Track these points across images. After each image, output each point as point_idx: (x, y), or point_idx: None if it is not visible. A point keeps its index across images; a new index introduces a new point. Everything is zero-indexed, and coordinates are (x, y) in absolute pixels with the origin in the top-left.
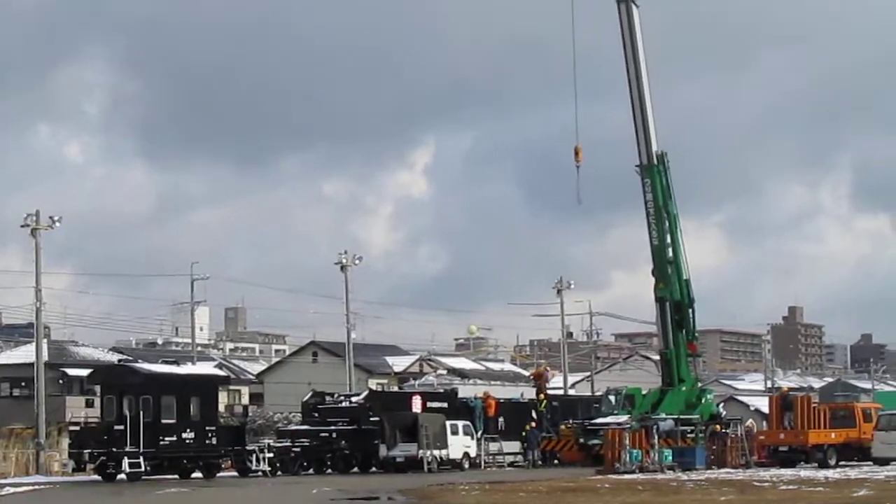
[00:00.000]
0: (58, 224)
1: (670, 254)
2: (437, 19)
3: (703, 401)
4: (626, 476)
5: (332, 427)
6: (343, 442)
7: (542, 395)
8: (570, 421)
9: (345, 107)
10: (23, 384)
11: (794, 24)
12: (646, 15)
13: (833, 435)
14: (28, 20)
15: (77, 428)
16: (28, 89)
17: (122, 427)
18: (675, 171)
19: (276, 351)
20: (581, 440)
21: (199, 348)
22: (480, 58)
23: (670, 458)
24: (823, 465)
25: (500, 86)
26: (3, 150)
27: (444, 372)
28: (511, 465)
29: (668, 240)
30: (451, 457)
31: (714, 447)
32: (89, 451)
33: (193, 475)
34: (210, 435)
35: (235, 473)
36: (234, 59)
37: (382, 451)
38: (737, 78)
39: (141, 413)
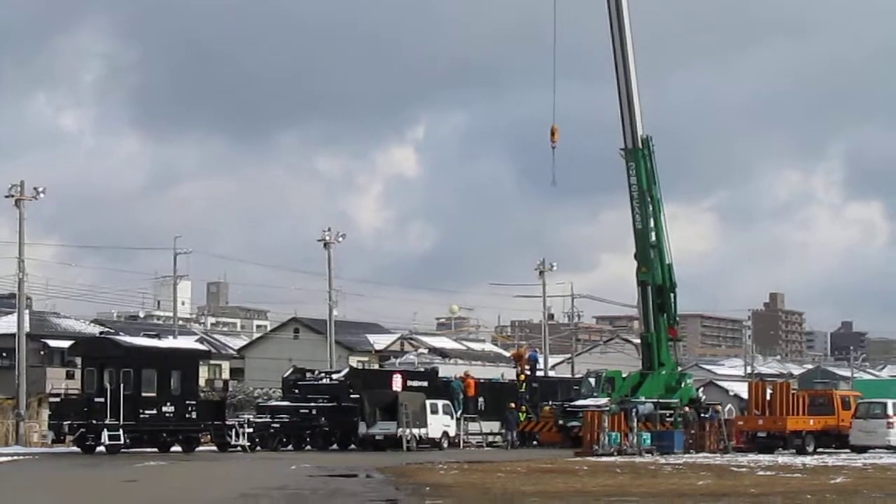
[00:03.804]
0: (42, 195)
1: (653, 238)
2: None
3: (682, 385)
4: (605, 458)
5: (312, 404)
6: (323, 419)
7: (521, 377)
8: (550, 402)
9: (341, 84)
10: (3, 355)
11: (792, 12)
12: (641, 1)
13: (811, 422)
14: None
15: (57, 399)
16: (27, 58)
17: (102, 399)
18: (670, 156)
19: (258, 327)
20: (560, 422)
21: (181, 322)
22: (476, 38)
23: (649, 441)
24: (801, 451)
25: (496, 66)
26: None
27: (425, 351)
28: (490, 445)
29: (652, 224)
30: (431, 436)
31: (693, 431)
32: (69, 422)
33: (172, 449)
34: (190, 409)
35: (215, 448)
36: (233, 34)
37: (362, 428)
38: (733, 65)
39: (121, 386)
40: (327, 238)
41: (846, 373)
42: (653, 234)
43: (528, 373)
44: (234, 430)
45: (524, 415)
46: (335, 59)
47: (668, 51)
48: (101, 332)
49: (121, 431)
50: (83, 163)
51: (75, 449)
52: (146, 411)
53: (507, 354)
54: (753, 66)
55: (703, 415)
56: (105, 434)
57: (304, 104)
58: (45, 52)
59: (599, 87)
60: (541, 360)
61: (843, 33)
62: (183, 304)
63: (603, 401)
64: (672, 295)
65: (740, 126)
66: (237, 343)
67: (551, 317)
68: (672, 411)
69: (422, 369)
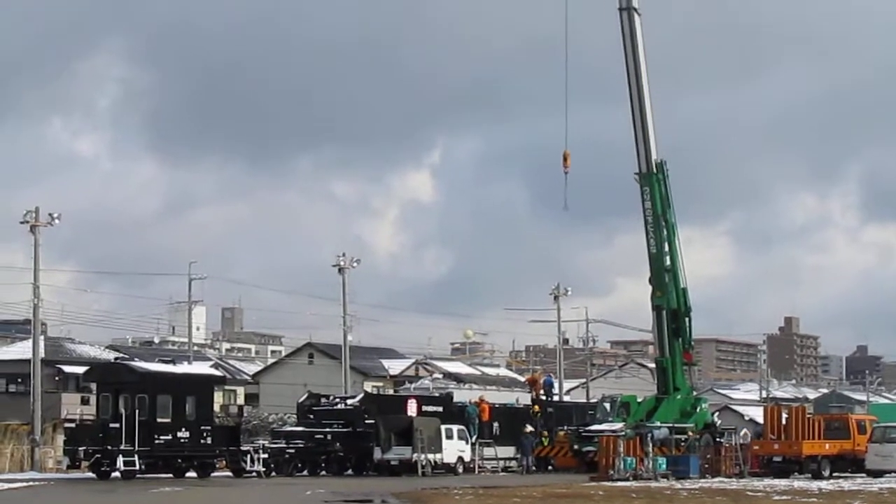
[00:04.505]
0: (57, 221)
1: (668, 262)
2: (449, 22)
3: (697, 409)
4: (620, 483)
5: (327, 429)
6: (338, 444)
7: (536, 408)
8: (565, 427)
9: (356, 108)
10: (19, 380)
11: (806, 34)
12: (658, 24)
13: (827, 446)
14: (48, 16)
15: (72, 425)
16: (43, 83)
17: (117, 425)
18: (685, 178)
19: (273, 352)
20: (576, 446)
21: (196, 348)
22: (491, 61)
23: (664, 466)
24: (817, 476)
25: (511, 89)
26: (17, 144)
27: (440, 376)
28: (505, 470)
29: (666, 248)
30: (446, 461)
31: (708, 456)
32: (84, 448)
33: (188, 474)
34: (205, 434)
35: (230, 473)
36: (249, 58)
37: (377, 453)
38: (747, 87)
39: (136, 411)
40: (342, 263)
41: (862, 397)
42: (667, 258)
43: (544, 397)
44: (249, 456)
45: (546, 440)
46: (351, 83)
47: (683, 72)
48: (116, 358)
49: (136, 457)
50: (99, 188)
51: (90, 475)
52: (161, 437)
53: (522, 379)
54: (768, 87)
55: (718, 439)
56: (120, 460)
57: (319, 128)
58: (61, 77)
59: (615, 109)
60: (556, 384)
61: (858, 54)
62: (198, 329)
63: (618, 425)
64: (687, 319)
65: (756, 148)
66: (252, 368)
67: (566, 341)
68: (687, 436)
69: (437, 394)
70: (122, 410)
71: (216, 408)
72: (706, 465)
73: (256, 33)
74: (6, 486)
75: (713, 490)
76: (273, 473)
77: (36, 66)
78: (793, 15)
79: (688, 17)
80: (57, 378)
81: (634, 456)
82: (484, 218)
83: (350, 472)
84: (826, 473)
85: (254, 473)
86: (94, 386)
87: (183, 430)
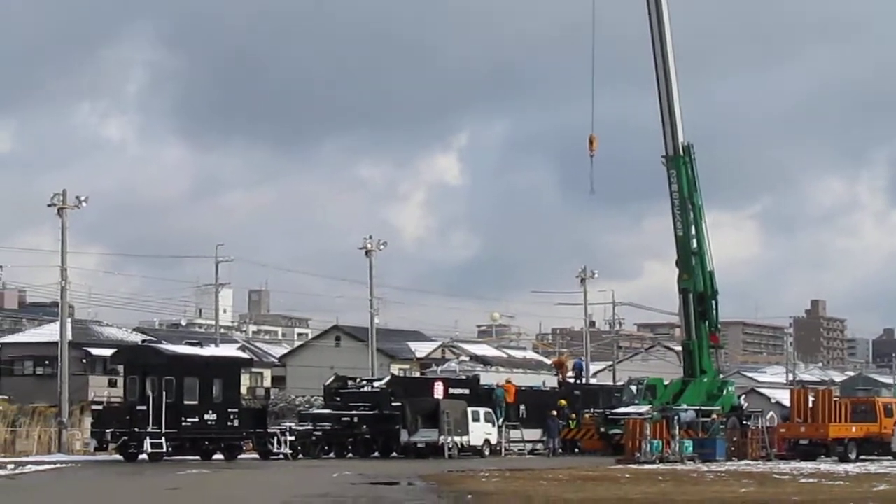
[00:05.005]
0: (84, 204)
1: (695, 245)
2: (479, 5)
3: (724, 392)
4: (647, 466)
5: (354, 411)
6: (364, 426)
7: (563, 402)
8: (592, 410)
9: (384, 92)
10: (46, 363)
11: (836, 18)
12: (686, 8)
13: (854, 429)
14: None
15: (100, 407)
16: (72, 67)
17: (144, 407)
18: (714, 163)
19: (299, 335)
20: (602, 429)
21: (223, 330)
22: (518, 44)
23: (691, 449)
24: (843, 458)
25: (538, 72)
26: (46, 129)
27: (467, 359)
28: (532, 452)
29: (693, 231)
30: (472, 443)
31: (734, 439)
32: (111, 430)
33: (215, 457)
34: (232, 417)
35: (256, 456)
36: (276, 42)
37: (403, 436)
38: (776, 71)
39: (164, 394)
40: (369, 246)
41: (888, 380)
42: (694, 241)
43: (573, 380)
44: (275, 438)
45: (573, 423)
46: (378, 67)
47: (712, 57)
48: (143, 341)
49: (163, 439)
50: (127, 171)
51: (118, 457)
52: (188, 419)
53: (549, 362)
54: (797, 71)
55: (745, 422)
56: (147, 442)
57: (347, 112)
58: (89, 61)
59: (643, 93)
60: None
61: (886, 38)
62: (225, 312)
63: (644, 408)
64: (713, 302)
65: (784, 132)
66: (279, 351)
67: (592, 324)
68: (711, 419)
69: (463, 377)
70: (150, 393)
71: (243, 390)
72: (732, 448)
73: (284, 17)
74: (34, 468)
75: (739, 473)
76: (300, 456)
77: (64, 51)
78: (818, 0)
79: (716, 2)
80: (84, 360)
81: (661, 439)
82: (511, 201)
83: (377, 454)
84: (852, 456)
85: (280, 456)
86: (121, 368)
87: (210, 412)
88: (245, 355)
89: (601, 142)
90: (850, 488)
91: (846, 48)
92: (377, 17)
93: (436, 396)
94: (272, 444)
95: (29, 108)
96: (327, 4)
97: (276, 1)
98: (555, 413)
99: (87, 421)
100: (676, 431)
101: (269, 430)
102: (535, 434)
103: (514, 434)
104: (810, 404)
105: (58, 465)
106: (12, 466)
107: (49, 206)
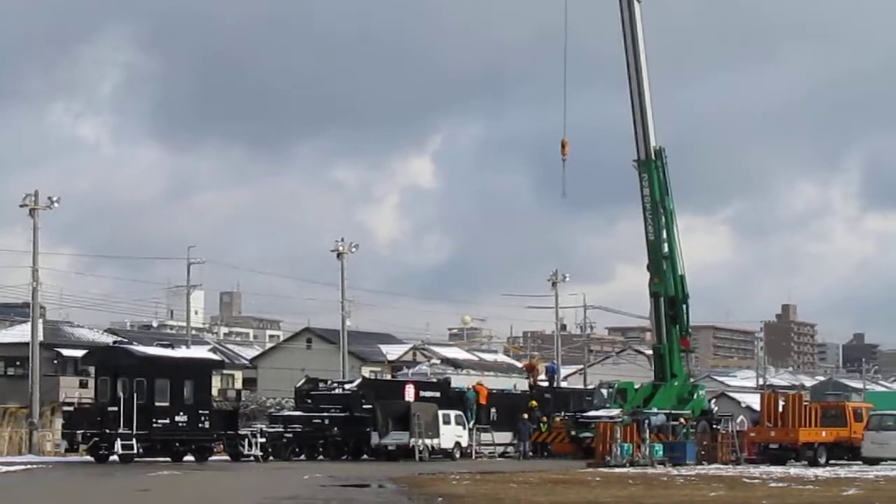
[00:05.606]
0: (56, 204)
1: (666, 249)
2: (452, 8)
3: (694, 396)
4: (617, 469)
5: (325, 414)
6: (335, 429)
7: (533, 403)
8: (563, 413)
9: (359, 94)
10: (17, 363)
11: (809, 22)
12: (658, 11)
13: (824, 433)
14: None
15: (70, 408)
16: (46, 67)
17: (115, 409)
18: (686, 166)
19: (271, 336)
20: (573, 433)
21: (194, 332)
22: (492, 47)
23: (661, 452)
24: (813, 463)
25: (515, 76)
26: (19, 128)
27: (438, 361)
28: (502, 455)
29: (664, 235)
30: (443, 446)
31: (704, 443)
32: (82, 431)
33: (185, 458)
34: (203, 419)
35: (227, 458)
36: (251, 44)
37: (374, 438)
38: (749, 75)
39: (135, 395)
40: (340, 248)
41: (858, 384)
42: (665, 245)
43: (545, 383)
44: (246, 440)
45: (543, 426)
46: (353, 70)
47: (684, 60)
48: (114, 342)
49: (134, 441)
50: (100, 172)
51: (88, 458)
52: (159, 421)
53: (520, 365)
54: (770, 75)
55: (715, 426)
56: (118, 443)
57: (321, 114)
58: (63, 61)
59: (616, 96)
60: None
61: (859, 41)
62: (196, 313)
63: (615, 412)
64: (684, 306)
65: (757, 136)
66: (250, 353)
67: (564, 328)
68: (679, 422)
69: (434, 380)
70: (121, 394)
71: (214, 392)
72: (703, 452)
73: (260, 20)
74: (4, 469)
75: (709, 477)
76: (271, 458)
77: (39, 50)
78: (794, 2)
79: (689, 5)
80: (55, 361)
81: (631, 442)
82: (484, 204)
83: (347, 456)
84: (822, 461)
85: (251, 458)
86: (92, 369)
87: (181, 413)
88: (216, 357)
89: (575, 145)
90: (820, 492)
91: (820, 52)
92: (354, 19)
93: (407, 399)
94: (243, 446)
95: (2, 107)
96: (304, 7)
97: (253, 3)
98: (525, 416)
99: (58, 422)
100: (647, 435)
101: (239, 432)
102: (505, 437)
103: (485, 437)
104: (780, 409)
105: (28, 466)
106: None
107: (21, 206)
